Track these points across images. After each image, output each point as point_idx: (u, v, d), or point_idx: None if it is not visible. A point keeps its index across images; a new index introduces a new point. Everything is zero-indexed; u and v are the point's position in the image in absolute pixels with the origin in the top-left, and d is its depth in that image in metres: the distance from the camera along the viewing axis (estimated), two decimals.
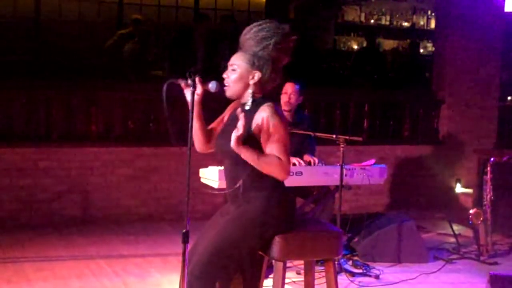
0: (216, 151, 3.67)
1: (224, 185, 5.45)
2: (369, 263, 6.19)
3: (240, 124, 3.26)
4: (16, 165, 7.48)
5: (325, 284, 3.97)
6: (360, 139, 5.96)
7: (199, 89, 3.51)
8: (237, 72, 3.50)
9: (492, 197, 6.70)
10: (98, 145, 7.77)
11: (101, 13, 11.46)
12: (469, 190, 9.05)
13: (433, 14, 13.23)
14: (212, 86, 3.51)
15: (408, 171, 9.24)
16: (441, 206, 9.10)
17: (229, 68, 3.54)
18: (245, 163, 3.40)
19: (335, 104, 9.06)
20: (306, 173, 5.86)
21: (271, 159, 3.35)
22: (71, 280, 5.61)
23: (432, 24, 13.22)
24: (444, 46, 9.76)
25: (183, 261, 3.37)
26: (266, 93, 3.57)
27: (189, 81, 3.50)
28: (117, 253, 6.46)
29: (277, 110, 3.45)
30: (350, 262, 6.19)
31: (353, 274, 5.85)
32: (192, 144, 3.49)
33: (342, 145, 5.67)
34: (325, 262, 3.95)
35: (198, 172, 5.64)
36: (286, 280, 3.98)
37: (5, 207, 7.43)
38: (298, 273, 5.69)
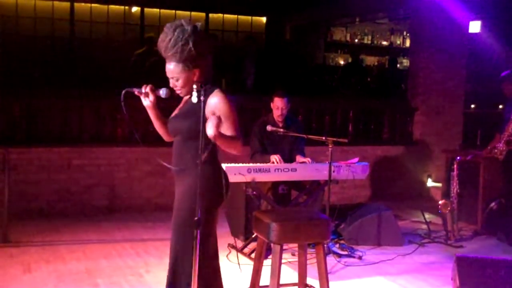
0: (169, 131, 3.61)
1: (230, 179, 5.50)
2: (353, 246, 6.18)
3: (214, 117, 3.21)
4: (53, 162, 7.47)
5: (316, 264, 3.96)
6: (346, 140, 5.95)
7: (151, 97, 3.51)
8: (181, 79, 3.44)
9: (458, 190, 6.69)
10: (123, 146, 7.75)
11: (126, 32, 11.48)
12: (438, 184, 9.03)
13: (408, 34, 13.24)
14: (162, 92, 3.49)
15: (386, 168, 9.22)
16: (415, 198, 9.09)
17: (173, 80, 3.47)
18: (189, 142, 3.41)
19: (324, 111, 9.04)
20: (300, 170, 5.86)
21: (233, 139, 3.36)
22: (100, 260, 5.60)
23: (407, 43, 13.24)
24: (417, 61, 9.75)
25: (195, 243, 3.35)
26: (209, 77, 3.50)
27: (143, 89, 3.50)
28: (139, 237, 6.45)
29: (225, 95, 3.42)
30: (337, 245, 6.17)
31: (339, 255, 5.84)
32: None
33: (330, 146, 5.66)
34: (316, 245, 3.94)
35: None
36: (283, 261, 3.98)
37: (44, 198, 7.42)
38: (293, 255, 5.68)
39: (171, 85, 3.50)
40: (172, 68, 3.43)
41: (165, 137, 3.72)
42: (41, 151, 7.43)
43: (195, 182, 3.32)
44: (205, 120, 3.28)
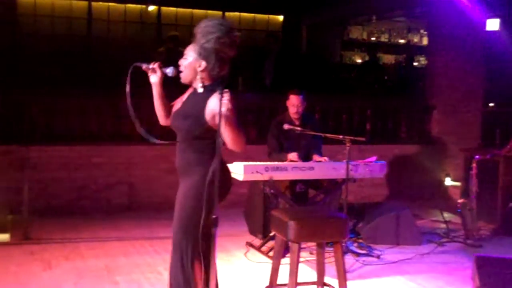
0: (172, 126, 3.62)
1: (247, 178, 5.53)
2: (371, 245, 6.17)
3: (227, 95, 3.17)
4: (73, 160, 7.53)
5: (334, 263, 3.96)
6: (364, 139, 5.93)
7: (159, 73, 3.54)
8: (188, 60, 3.47)
9: (477, 189, 6.65)
10: (141, 144, 7.78)
11: (143, 31, 11.52)
12: (457, 183, 8.97)
13: (425, 32, 13.16)
14: (169, 71, 3.52)
15: (404, 167, 9.18)
16: (433, 197, 9.05)
17: (184, 57, 3.50)
18: (190, 141, 3.41)
19: (342, 110, 9.03)
20: (317, 168, 5.85)
21: (240, 132, 3.33)
22: (119, 258, 5.64)
23: (425, 41, 13.14)
24: (435, 59, 9.71)
25: (213, 242, 3.36)
26: (216, 80, 3.47)
27: (151, 66, 3.53)
28: (157, 235, 6.48)
29: (230, 97, 3.31)
30: (355, 244, 6.16)
31: (357, 254, 5.83)
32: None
33: (348, 144, 5.64)
34: (334, 244, 3.94)
35: None
36: (301, 259, 3.98)
37: (64, 196, 7.49)
38: (311, 253, 5.68)
39: (179, 61, 3.52)
40: (191, 46, 3.48)
41: (162, 120, 3.75)
42: (60, 150, 7.50)
43: (199, 179, 3.38)
44: (220, 117, 3.23)
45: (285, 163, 5.79)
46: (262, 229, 6.17)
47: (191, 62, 3.46)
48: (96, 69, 10.38)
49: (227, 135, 3.27)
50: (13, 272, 5.12)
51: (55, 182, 7.44)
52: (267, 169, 5.58)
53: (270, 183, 5.62)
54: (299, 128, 6.14)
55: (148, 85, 3.65)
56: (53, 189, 7.43)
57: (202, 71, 3.45)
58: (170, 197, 7.79)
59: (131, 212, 7.63)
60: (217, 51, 3.41)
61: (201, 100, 3.41)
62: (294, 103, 6.20)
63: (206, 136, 3.40)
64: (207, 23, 3.43)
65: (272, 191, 5.69)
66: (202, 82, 3.45)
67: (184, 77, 3.52)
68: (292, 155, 5.98)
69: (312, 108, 8.01)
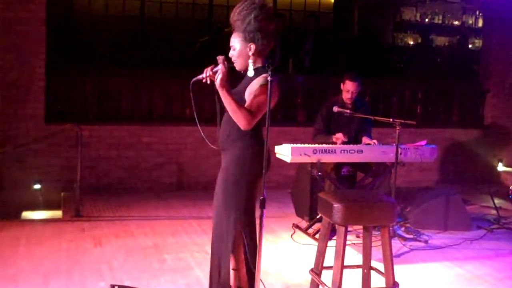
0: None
1: (295, 160, 5.52)
2: (419, 229, 6.09)
3: (223, 68, 3.30)
4: (123, 140, 7.65)
5: (380, 247, 3.93)
6: (414, 122, 5.82)
7: (222, 68, 3.42)
8: (236, 50, 3.53)
9: None
10: (190, 125, 7.85)
11: (195, 12, 11.56)
12: (510, 169, 8.78)
13: (480, 14, 12.82)
14: (220, 66, 3.41)
15: (455, 151, 9.02)
16: (484, 182, 8.84)
17: (231, 49, 3.56)
18: (232, 118, 3.43)
19: (392, 92, 8.92)
20: (366, 151, 5.79)
21: (242, 108, 3.36)
22: (167, 236, 5.72)
23: (480, 23, 12.81)
24: (490, 42, 9.47)
25: (261, 223, 3.38)
26: (265, 61, 3.52)
27: (204, 74, 3.44)
28: (205, 214, 6.53)
29: (266, 84, 3.36)
30: (403, 229, 6.10)
31: (405, 239, 5.77)
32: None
33: (397, 128, 5.56)
34: (381, 228, 3.90)
35: (274, 149, 5.64)
36: (347, 242, 3.96)
37: (114, 175, 7.62)
38: (358, 237, 5.65)
39: (229, 54, 3.57)
40: (233, 37, 3.55)
41: None
42: (112, 129, 7.63)
43: (239, 153, 3.51)
44: (270, 100, 3.34)
45: (333, 145, 5.75)
46: (308, 211, 6.16)
47: (240, 50, 3.52)
48: (148, 50, 10.49)
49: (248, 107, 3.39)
50: (65, 248, 5.26)
51: (106, 160, 7.58)
52: (315, 151, 5.55)
53: (318, 165, 5.60)
54: (348, 111, 6.08)
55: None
56: (104, 168, 7.58)
57: (253, 53, 3.51)
58: (217, 177, 7.83)
59: (180, 192, 7.73)
60: (260, 29, 3.49)
61: (248, 81, 3.51)
62: (349, 89, 6.12)
63: None
64: (240, 8, 3.50)
65: (319, 173, 5.67)
66: (254, 65, 3.51)
67: (239, 65, 3.57)
68: (338, 135, 5.91)
69: (363, 91, 7.93)
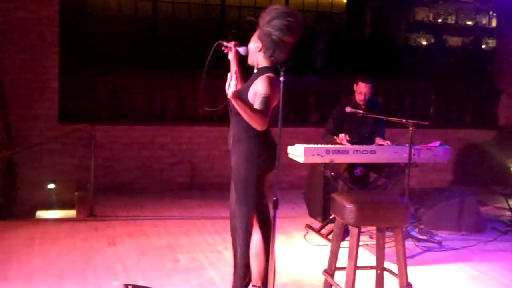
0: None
1: (308, 160, 5.52)
2: (433, 231, 6.07)
3: (234, 79, 3.46)
4: (137, 140, 7.68)
5: (394, 248, 3.92)
6: (427, 123, 5.79)
7: (233, 50, 3.84)
8: (252, 45, 3.78)
9: None
10: (204, 125, 7.88)
11: (207, 13, 11.57)
12: None
13: (494, 14, 12.74)
14: (242, 50, 3.83)
15: (469, 152, 8.97)
16: (498, 184, 8.80)
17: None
18: (241, 116, 3.59)
19: (405, 93, 8.90)
20: (379, 152, 5.77)
21: (255, 112, 3.51)
22: (180, 236, 5.74)
23: (493, 23, 12.73)
24: (504, 42, 9.42)
25: (274, 223, 3.39)
26: (274, 64, 3.69)
27: (228, 44, 3.82)
28: (218, 214, 6.54)
29: (272, 80, 3.61)
30: (416, 230, 6.07)
31: (418, 240, 5.75)
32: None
33: (411, 128, 5.53)
34: (394, 228, 3.90)
35: (286, 149, 5.64)
36: (360, 243, 3.95)
37: (128, 174, 7.65)
38: (371, 237, 5.64)
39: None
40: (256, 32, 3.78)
41: None
42: (125, 129, 7.67)
43: (247, 146, 3.70)
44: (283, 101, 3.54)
45: (346, 146, 5.73)
46: (321, 211, 6.15)
47: (253, 46, 3.76)
48: (160, 50, 10.51)
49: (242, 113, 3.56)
50: (79, 247, 5.29)
51: (120, 160, 7.61)
52: (328, 152, 5.54)
53: (331, 166, 5.59)
54: (361, 111, 6.05)
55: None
56: (117, 168, 7.61)
57: (258, 51, 3.73)
58: (231, 177, 7.83)
59: (193, 192, 7.74)
60: (270, 33, 3.64)
61: (252, 79, 3.72)
62: (362, 90, 6.08)
63: None
64: (271, 5, 3.71)
65: (332, 174, 5.66)
66: (257, 64, 3.75)
67: (249, 60, 3.82)
68: (341, 136, 5.85)
69: (375, 91, 7.92)
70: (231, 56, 3.88)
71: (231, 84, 3.45)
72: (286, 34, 3.61)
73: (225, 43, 3.86)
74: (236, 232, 3.87)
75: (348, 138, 5.86)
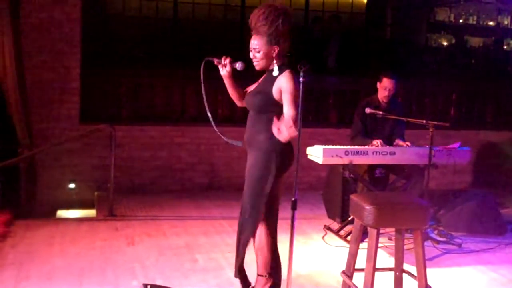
0: (246, 105, 3.91)
1: (327, 161, 5.50)
2: (452, 233, 6.02)
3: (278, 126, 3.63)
4: (156, 140, 7.72)
5: (413, 250, 3.89)
6: (447, 124, 5.75)
7: (228, 67, 3.85)
8: (262, 52, 3.72)
9: None
10: (223, 125, 7.87)
11: (227, 13, 11.59)
12: None
13: None
14: (238, 65, 3.80)
15: (489, 154, 8.89)
16: None
17: (253, 51, 3.75)
18: (259, 115, 3.75)
19: (425, 93, 8.84)
20: (399, 153, 5.74)
21: (290, 117, 3.56)
22: (199, 236, 5.75)
23: None
24: None
25: (292, 224, 3.39)
26: (285, 59, 3.78)
27: (222, 60, 3.84)
28: (237, 215, 6.46)
29: (293, 76, 3.66)
30: (436, 232, 6.03)
31: (438, 242, 5.70)
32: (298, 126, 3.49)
33: (431, 129, 5.49)
34: (413, 230, 3.87)
35: (305, 150, 5.63)
36: (379, 245, 3.93)
37: (147, 175, 7.69)
38: (390, 239, 5.61)
39: (251, 56, 3.78)
40: (257, 40, 3.74)
41: (237, 103, 4.11)
42: (145, 129, 7.70)
43: (265, 150, 3.70)
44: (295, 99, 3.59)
45: (365, 147, 5.70)
46: (340, 213, 6.13)
47: (265, 52, 3.74)
48: (181, 51, 10.55)
49: (287, 109, 3.58)
50: (98, 247, 5.32)
51: (139, 160, 7.65)
52: (347, 153, 5.52)
53: (350, 167, 5.57)
54: (380, 113, 6.01)
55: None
56: (137, 168, 7.65)
57: (277, 54, 3.73)
58: None
59: (212, 192, 7.76)
60: (283, 33, 3.70)
61: (272, 79, 3.71)
62: (386, 86, 6.03)
63: (272, 110, 3.69)
64: (264, 13, 3.71)
65: (351, 175, 5.63)
66: (276, 64, 3.74)
67: (261, 67, 3.80)
68: (377, 142, 5.82)
69: (395, 92, 7.90)
70: (224, 72, 3.88)
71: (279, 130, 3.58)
72: (290, 24, 3.72)
73: (216, 60, 3.86)
74: (241, 227, 3.99)
75: (382, 144, 5.81)
